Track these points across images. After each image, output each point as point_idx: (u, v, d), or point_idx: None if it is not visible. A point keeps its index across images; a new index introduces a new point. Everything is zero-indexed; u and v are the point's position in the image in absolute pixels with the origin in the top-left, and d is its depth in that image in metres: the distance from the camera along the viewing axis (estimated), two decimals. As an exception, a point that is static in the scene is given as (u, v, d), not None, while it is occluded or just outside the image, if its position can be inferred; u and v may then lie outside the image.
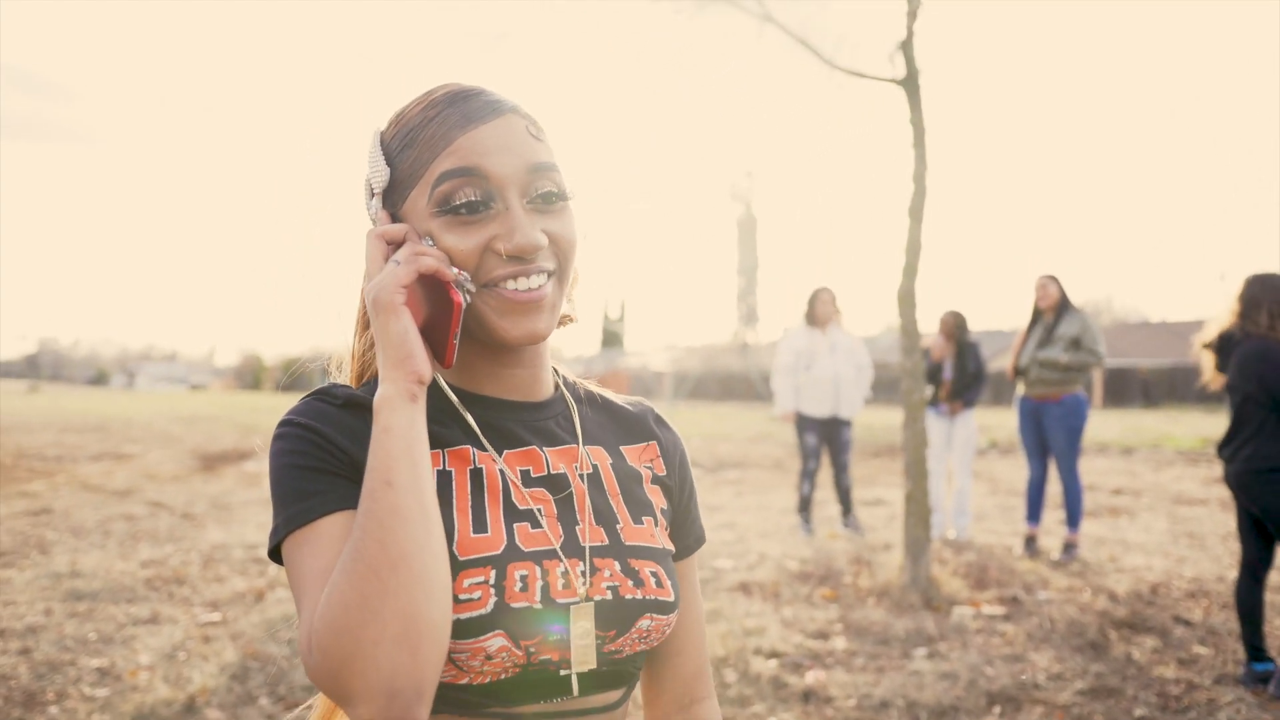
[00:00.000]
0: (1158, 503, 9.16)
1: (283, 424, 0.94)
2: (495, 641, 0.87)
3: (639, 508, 1.04)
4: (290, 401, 1.03)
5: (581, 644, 0.91)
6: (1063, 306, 6.64)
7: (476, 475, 0.96)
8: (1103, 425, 20.36)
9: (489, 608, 0.87)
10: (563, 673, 0.91)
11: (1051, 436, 6.56)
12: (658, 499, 1.08)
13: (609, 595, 0.94)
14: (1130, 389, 35.23)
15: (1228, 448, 4.01)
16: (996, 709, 3.67)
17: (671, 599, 0.98)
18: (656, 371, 51.11)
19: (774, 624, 4.77)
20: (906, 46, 5.53)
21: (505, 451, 0.99)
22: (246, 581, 5.62)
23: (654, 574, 0.98)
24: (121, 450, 14.75)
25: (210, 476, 11.29)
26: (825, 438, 7.58)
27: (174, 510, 8.48)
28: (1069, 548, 6.42)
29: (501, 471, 0.97)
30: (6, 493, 9.55)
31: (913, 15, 5.43)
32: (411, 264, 0.88)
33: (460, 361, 1.01)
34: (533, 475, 0.99)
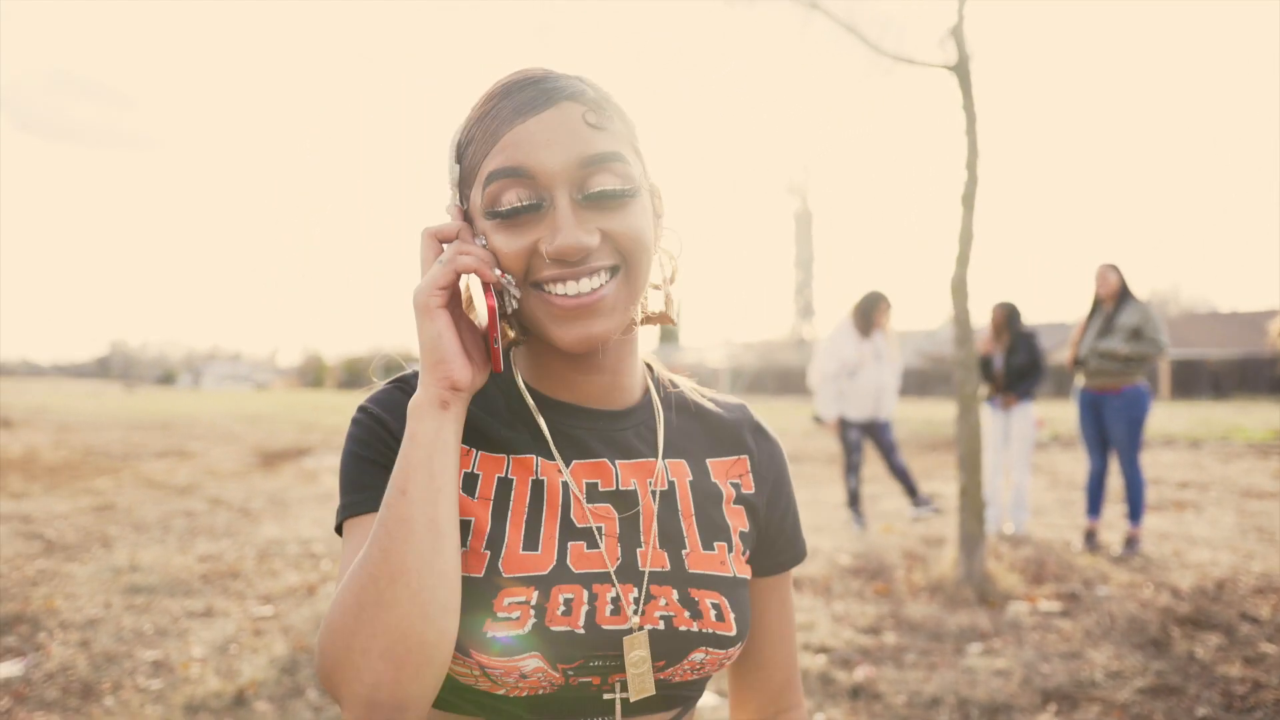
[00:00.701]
0: (1225, 496, 8.88)
1: (360, 409, 0.94)
2: (530, 663, 0.84)
3: (712, 531, 0.97)
4: (352, 399, 1.01)
5: (637, 673, 0.87)
6: (1123, 296, 6.47)
7: (538, 487, 0.93)
8: (1170, 417, 19.85)
9: (526, 629, 0.84)
10: (605, 696, 0.88)
11: (1111, 429, 6.40)
12: (738, 521, 1.00)
13: (661, 625, 0.89)
14: (1199, 380, 34.34)
15: None
16: (1052, 707, 3.58)
17: (732, 633, 0.93)
18: (713, 367, 50.99)
19: (824, 619, 4.70)
20: (957, 31, 5.41)
21: (574, 462, 0.94)
22: (300, 576, 5.69)
23: (715, 605, 0.92)
24: (185, 448, 15.07)
25: (269, 473, 11.48)
26: (867, 433, 7.54)
27: (232, 506, 8.63)
28: (1131, 542, 6.24)
29: (565, 484, 0.93)
30: (74, 489, 9.80)
31: (963, 1, 5.31)
32: (450, 264, 0.85)
33: (539, 365, 0.97)
34: (600, 490, 0.94)
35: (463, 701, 0.89)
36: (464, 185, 0.91)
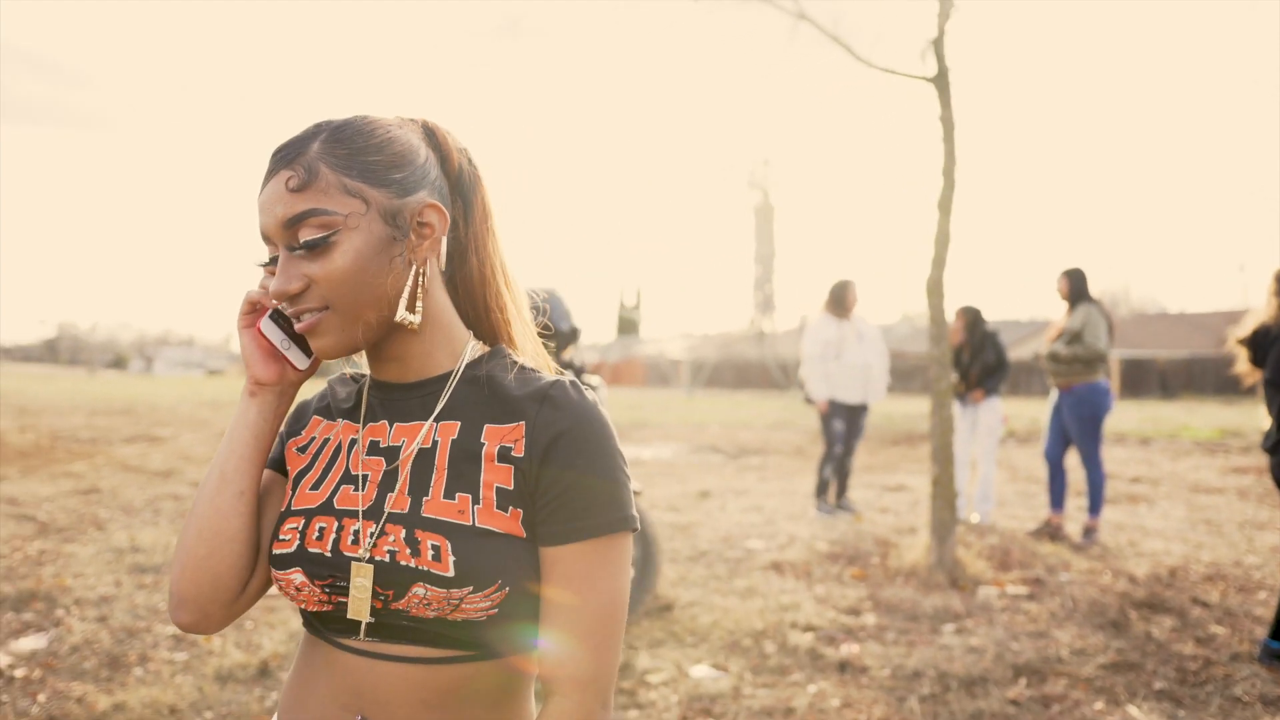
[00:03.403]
0: (1176, 491, 9.33)
1: None
2: (297, 576, 1.09)
3: (460, 483, 1.08)
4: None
5: (358, 596, 1.05)
6: (1074, 299, 6.88)
7: (341, 445, 1.18)
8: (1120, 415, 20.45)
9: (293, 549, 1.11)
10: (350, 617, 1.07)
11: (1068, 424, 6.81)
12: (498, 477, 1.08)
13: (386, 558, 1.05)
14: (1148, 380, 35.23)
15: (1270, 441, 4.12)
16: (1023, 680, 3.88)
17: (449, 574, 1.01)
18: (673, 359, 51.29)
19: (807, 601, 4.99)
20: (938, 45, 5.70)
21: (369, 424, 1.18)
22: (298, 557, 5.86)
23: (435, 546, 1.03)
24: (153, 433, 15.04)
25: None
26: (849, 423, 7.82)
27: (216, 491, 8.73)
28: (1089, 532, 6.61)
29: (353, 442, 1.17)
30: (52, 472, 9.84)
31: (945, 15, 5.60)
32: (246, 295, 1.18)
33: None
34: (380, 446, 1.15)
35: (303, 620, 1.17)
36: None
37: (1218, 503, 8.57)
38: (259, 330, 1.16)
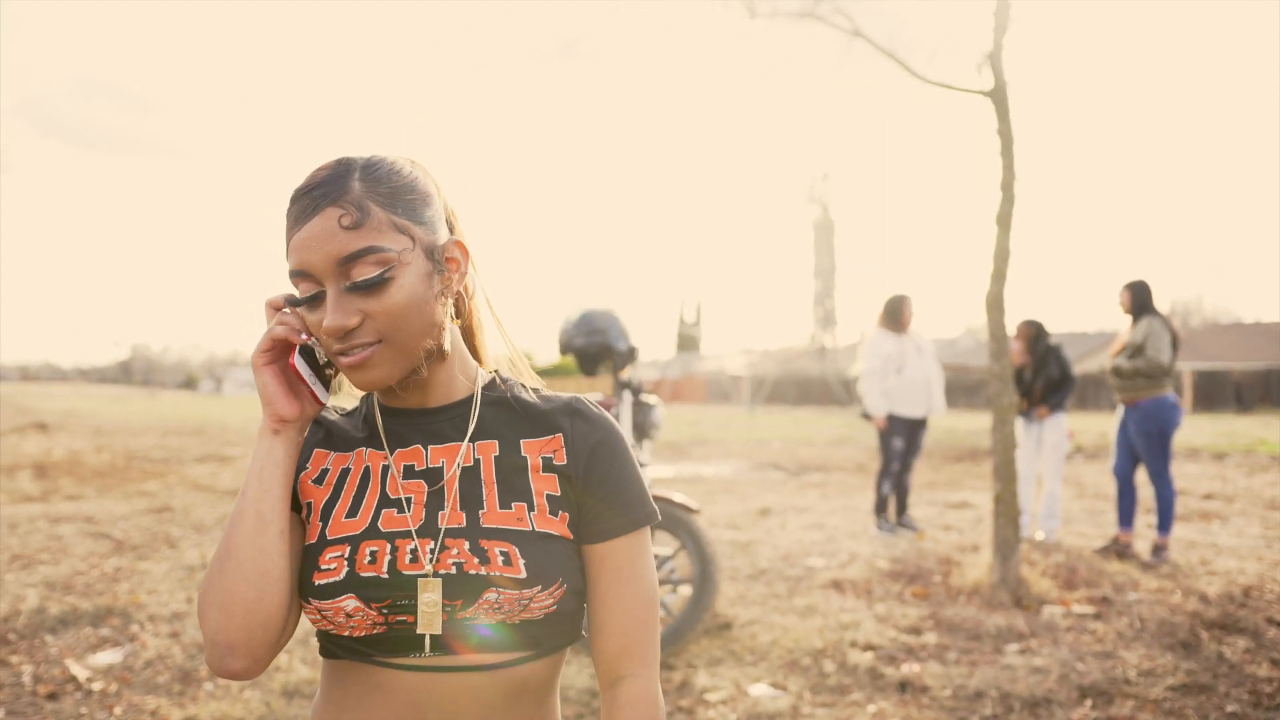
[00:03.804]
0: (1250, 508, 9.06)
1: None
2: (349, 603, 1.10)
3: (512, 494, 1.16)
4: None
5: (427, 611, 1.09)
6: (1137, 312, 6.76)
7: (368, 472, 1.20)
8: (1193, 430, 19.94)
9: (341, 576, 1.11)
10: (418, 632, 1.10)
11: (1135, 440, 6.67)
12: (546, 485, 1.18)
13: (453, 570, 1.10)
14: (1223, 392, 34.26)
15: None
16: (1088, 702, 3.81)
17: (522, 576, 1.10)
18: (733, 376, 51.16)
19: (868, 619, 4.95)
20: (994, 58, 5.66)
21: (397, 450, 1.21)
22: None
23: (504, 553, 1.11)
24: (222, 453, 15.42)
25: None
26: (908, 439, 7.76)
27: (283, 509, 8.92)
28: (1158, 550, 6.46)
29: (385, 467, 1.20)
30: (127, 491, 10.15)
31: (1001, 29, 5.56)
32: (268, 332, 1.17)
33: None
34: (415, 470, 1.19)
35: (336, 648, 1.16)
36: None
37: (1295, 520, 8.31)
38: (292, 365, 1.18)
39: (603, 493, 1.19)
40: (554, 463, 1.19)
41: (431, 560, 1.10)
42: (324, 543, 1.15)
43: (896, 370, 7.67)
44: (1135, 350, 6.61)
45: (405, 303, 1.11)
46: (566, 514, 1.17)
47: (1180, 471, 12.02)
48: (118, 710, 3.70)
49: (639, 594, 1.19)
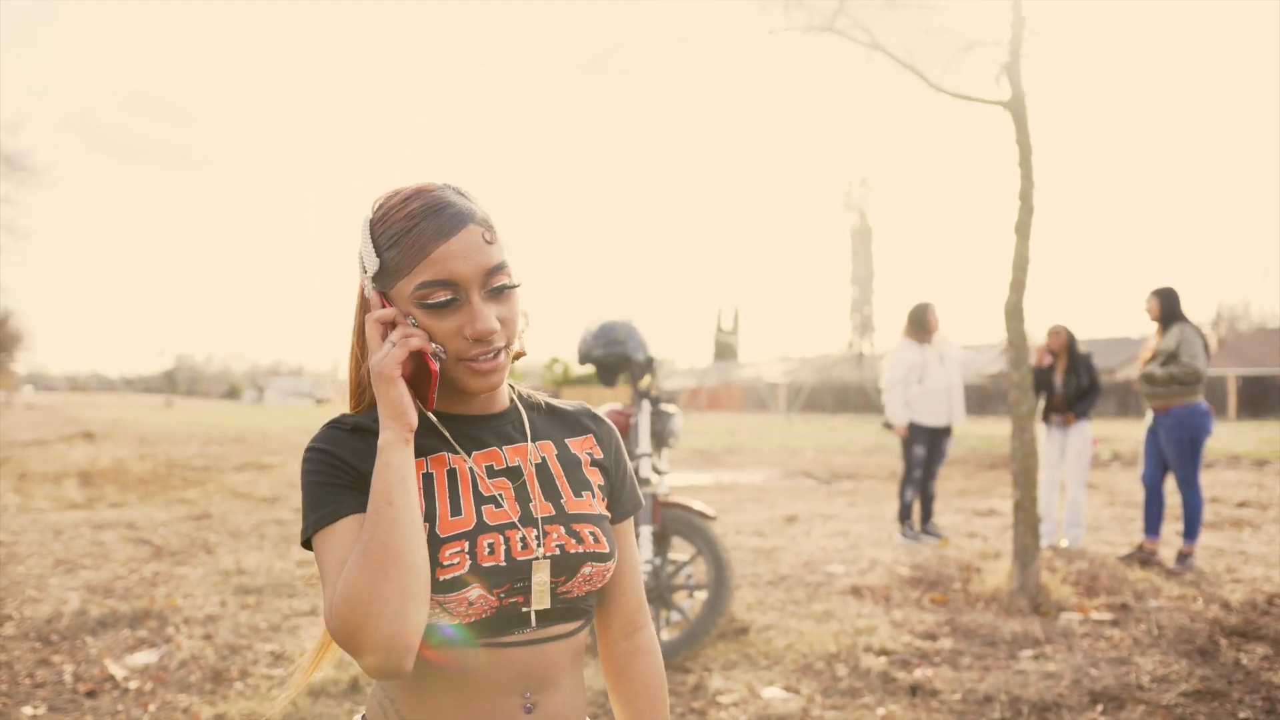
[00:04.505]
0: (1284, 515, 8.97)
1: (307, 449, 1.30)
2: (474, 592, 1.21)
3: (579, 485, 1.35)
4: None
5: (539, 590, 1.24)
6: (1167, 319, 6.73)
7: (452, 474, 1.30)
8: (1237, 436, 19.66)
9: (465, 569, 1.22)
10: (524, 609, 1.23)
11: (1165, 447, 6.65)
12: (595, 477, 1.39)
13: (558, 551, 1.26)
14: (1268, 398, 33.65)
15: None
16: (1099, 707, 3.84)
17: (607, 550, 1.30)
18: (770, 383, 51.02)
19: (884, 624, 5.00)
20: (1012, 69, 5.71)
21: (474, 453, 1.32)
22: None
23: (592, 533, 1.30)
24: (262, 461, 15.72)
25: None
26: (931, 447, 7.79)
27: (318, 516, 9.11)
28: (1183, 557, 6.44)
29: (470, 469, 1.31)
30: (167, 498, 10.41)
31: (1018, 40, 5.60)
32: (403, 346, 1.22)
33: (442, 393, 1.34)
34: (495, 469, 1.32)
35: (430, 638, 1.24)
36: (387, 276, 1.27)
37: (1329, 527, 8.22)
38: (434, 371, 1.24)
39: (621, 482, 1.43)
40: (595, 458, 1.41)
41: (539, 544, 1.25)
42: (438, 541, 1.22)
43: (919, 380, 7.71)
44: (1169, 357, 6.59)
45: (517, 313, 1.29)
46: (606, 500, 1.40)
47: (1218, 479, 11.90)
48: (152, 707, 3.86)
49: (638, 563, 1.46)
